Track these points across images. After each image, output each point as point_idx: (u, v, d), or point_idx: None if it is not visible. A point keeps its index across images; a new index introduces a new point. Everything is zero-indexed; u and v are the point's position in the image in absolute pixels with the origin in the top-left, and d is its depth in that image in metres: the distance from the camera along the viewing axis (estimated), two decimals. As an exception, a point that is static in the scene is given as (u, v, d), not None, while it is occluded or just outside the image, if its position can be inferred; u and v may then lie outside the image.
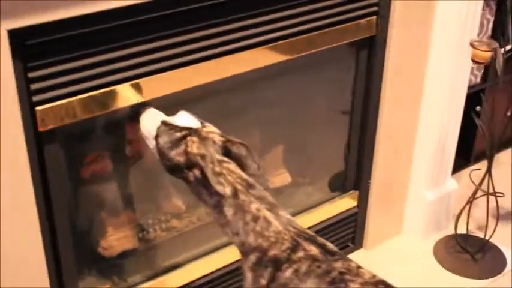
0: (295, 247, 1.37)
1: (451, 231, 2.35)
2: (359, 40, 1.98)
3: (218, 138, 1.46)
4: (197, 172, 1.41)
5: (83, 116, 1.52)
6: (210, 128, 1.48)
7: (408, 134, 2.23)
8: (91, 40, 1.47)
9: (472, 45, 1.97)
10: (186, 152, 1.42)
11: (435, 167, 2.29)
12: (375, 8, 1.94)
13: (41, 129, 1.46)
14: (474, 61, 1.98)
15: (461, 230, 2.31)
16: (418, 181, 2.31)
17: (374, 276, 1.34)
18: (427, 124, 2.22)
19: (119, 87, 1.55)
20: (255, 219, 1.40)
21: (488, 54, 1.95)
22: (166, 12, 1.54)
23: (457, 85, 2.17)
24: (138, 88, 1.58)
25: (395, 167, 2.26)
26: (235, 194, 1.40)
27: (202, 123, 1.48)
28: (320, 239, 1.41)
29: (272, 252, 1.36)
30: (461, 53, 2.09)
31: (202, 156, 1.40)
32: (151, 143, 1.51)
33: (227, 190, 1.40)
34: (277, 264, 1.36)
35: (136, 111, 1.60)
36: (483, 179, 2.18)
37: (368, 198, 2.26)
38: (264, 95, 1.99)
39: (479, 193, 2.21)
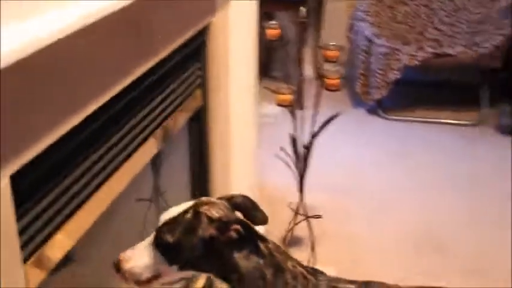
0: None
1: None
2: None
3: (220, 200, 1.47)
4: (238, 226, 1.38)
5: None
6: (205, 197, 1.48)
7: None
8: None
9: (275, 92, 2.33)
10: (212, 220, 1.39)
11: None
12: (200, 80, 2.13)
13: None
14: (280, 105, 2.35)
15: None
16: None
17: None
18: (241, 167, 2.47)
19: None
20: (294, 276, 1.42)
21: (290, 96, 2.33)
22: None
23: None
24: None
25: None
26: (269, 251, 1.42)
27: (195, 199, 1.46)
28: (347, 279, 1.54)
29: None
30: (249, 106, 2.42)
31: (232, 215, 1.41)
32: (149, 269, 1.42)
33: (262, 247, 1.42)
34: None
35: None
36: (298, 205, 2.55)
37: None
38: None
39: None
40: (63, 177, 1.35)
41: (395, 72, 4.00)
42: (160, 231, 1.40)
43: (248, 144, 2.46)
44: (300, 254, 2.74)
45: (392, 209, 3.23)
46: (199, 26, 2.05)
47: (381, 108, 4.24)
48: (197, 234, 1.39)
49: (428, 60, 3.98)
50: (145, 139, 1.76)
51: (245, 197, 1.50)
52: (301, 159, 2.45)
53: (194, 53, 2.07)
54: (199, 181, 2.26)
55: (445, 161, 3.73)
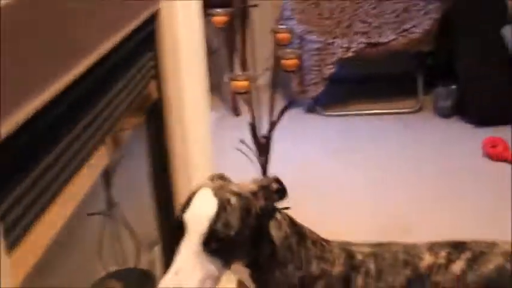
0: (350, 255, 1.41)
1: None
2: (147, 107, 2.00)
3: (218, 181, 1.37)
4: (277, 184, 1.32)
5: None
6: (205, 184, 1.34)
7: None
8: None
9: (231, 79, 2.22)
10: (255, 193, 1.30)
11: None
12: (153, 71, 2.00)
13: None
14: (237, 93, 2.24)
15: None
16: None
17: (420, 244, 1.45)
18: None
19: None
20: (314, 243, 1.39)
21: (247, 82, 2.23)
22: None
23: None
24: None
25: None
26: (290, 218, 1.38)
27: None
28: (358, 242, 1.47)
29: (336, 271, 1.37)
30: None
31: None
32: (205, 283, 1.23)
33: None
34: (345, 279, 1.38)
35: None
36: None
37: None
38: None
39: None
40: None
41: (330, 66, 3.98)
42: (213, 230, 1.21)
43: (204, 138, 2.34)
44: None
45: (352, 200, 3.18)
46: (145, 14, 1.92)
47: (318, 105, 4.20)
48: (252, 214, 1.27)
49: (362, 51, 3.98)
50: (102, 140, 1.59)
51: (224, 176, 1.41)
52: (263, 151, 2.35)
53: (145, 42, 1.95)
54: (161, 180, 2.12)
55: (390, 150, 3.71)
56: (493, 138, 3.49)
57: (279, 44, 2.30)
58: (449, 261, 1.39)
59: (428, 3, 4.13)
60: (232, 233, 1.22)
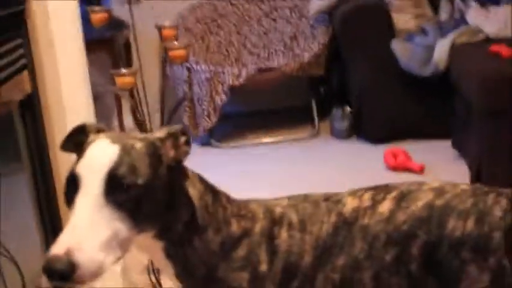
0: (269, 209, 1.28)
1: None
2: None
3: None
4: (183, 137, 1.19)
5: None
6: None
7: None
8: None
9: (113, 75, 2.08)
10: (162, 140, 1.17)
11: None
12: (24, 61, 1.84)
13: None
14: (122, 89, 2.10)
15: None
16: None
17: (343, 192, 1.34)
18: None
19: None
20: (229, 200, 1.26)
21: (132, 79, 2.10)
22: None
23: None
24: None
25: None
26: (199, 175, 1.25)
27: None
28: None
29: (258, 227, 1.24)
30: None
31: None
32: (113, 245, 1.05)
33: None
34: (269, 235, 1.24)
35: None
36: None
37: None
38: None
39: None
40: None
41: (221, 95, 3.91)
42: (116, 176, 1.05)
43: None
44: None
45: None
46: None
47: (213, 138, 4.10)
48: (163, 163, 1.13)
49: (253, 77, 3.93)
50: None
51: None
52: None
53: (11, 26, 1.80)
54: (44, 184, 1.93)
55: (294, 172, 3.62)
56: (392, 150, 3.49)
57: (163, 40, 2.20)
58: (375, 202, 1.27)
59: (314, 29, 4.18)
60: (140, 181, 1.06)
